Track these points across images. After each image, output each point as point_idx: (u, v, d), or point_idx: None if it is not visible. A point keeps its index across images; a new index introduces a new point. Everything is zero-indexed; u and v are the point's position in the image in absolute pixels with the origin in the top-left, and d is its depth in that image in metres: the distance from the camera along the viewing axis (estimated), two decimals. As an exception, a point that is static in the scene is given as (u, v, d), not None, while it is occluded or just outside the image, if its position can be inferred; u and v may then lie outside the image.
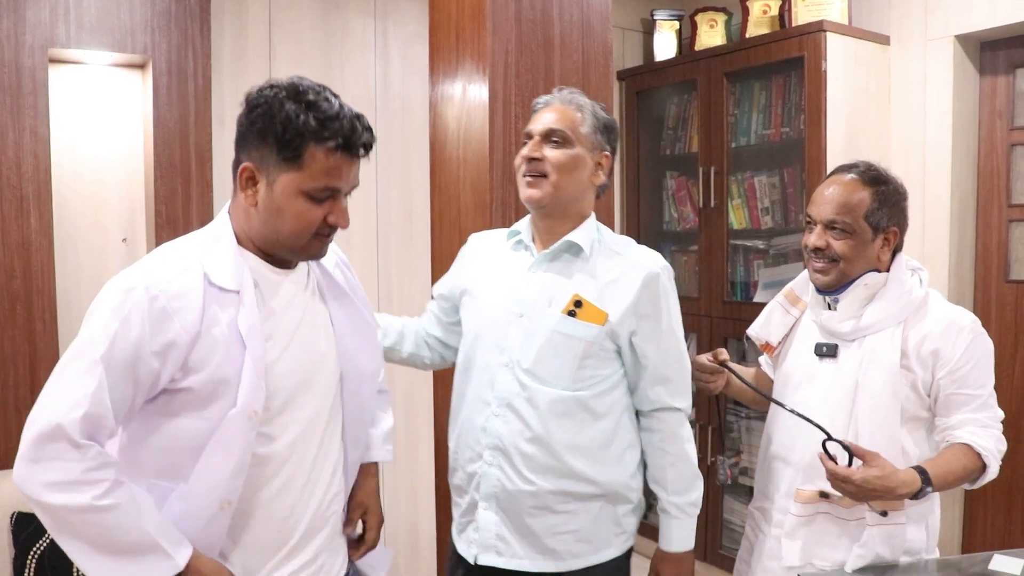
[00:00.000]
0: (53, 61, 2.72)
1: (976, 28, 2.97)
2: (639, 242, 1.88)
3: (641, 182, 3.96)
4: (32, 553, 2.31)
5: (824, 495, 1.77)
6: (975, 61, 3.12)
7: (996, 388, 1.78)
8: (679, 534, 1.84)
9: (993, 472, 1.74)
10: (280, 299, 1.45)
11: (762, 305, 2.10)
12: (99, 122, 2.91)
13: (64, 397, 1.27)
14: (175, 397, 1.35)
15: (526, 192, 1.77)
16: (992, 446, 1.72)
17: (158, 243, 2.69)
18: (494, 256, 1.90)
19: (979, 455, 1.71)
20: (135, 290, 1.31)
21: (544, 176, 1.75)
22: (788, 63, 3.24)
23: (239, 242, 1.43)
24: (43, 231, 2.66)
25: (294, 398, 1.44)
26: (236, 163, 1.41)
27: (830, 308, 1.86)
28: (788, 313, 1.98)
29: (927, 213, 3.12)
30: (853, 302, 1.82)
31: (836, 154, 3.00)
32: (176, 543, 1.32)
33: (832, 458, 1.66)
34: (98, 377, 1.27)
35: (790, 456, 1.86)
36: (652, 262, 1.80)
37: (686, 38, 3.87)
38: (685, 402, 1.84)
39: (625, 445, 1.82)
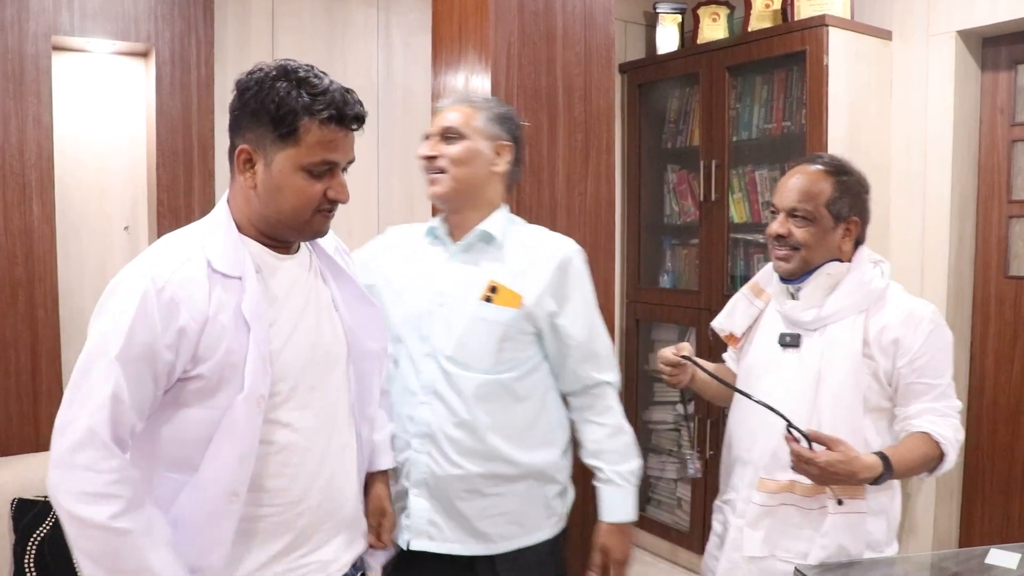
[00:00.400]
0: (56, 49, 2.72)
1: (978, 24, 2.97)
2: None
3: (642, 175, 3.96)
4: (32, 539, 2.32)
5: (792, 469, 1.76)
6: (977, 57, 3.12)
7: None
8: (624, 504, 1.87)
9: (951, 461, 1.75)
10: (283, 284, 1.46)
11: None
12: (102, 110, 2.92)
13: (91, 400, 1.28)
14: (185, 386, 1.36)
15: (429, 190, 1.85)
16: (951, 435, 1.74)
17: (160, 231, 2.70)
18: (412, 251, 1.94)
19: (938, 443, 1.72)
20: (142, 283, 1.32)
21: (443, 172, 1.81)
22: (790, 57, 3.24)
23: (240, 229, 1.44)
24: (45, 218, 2.66)
25: (302, 383, 1.45)
26: (232, 148, 1.42)
27: (793, 298, 1.88)
28: (752, 304, 1.99)
29: (927, 208, 3.13)
30: (815, 291, 1.84)
31: (837, 149, 3.00)
32: None
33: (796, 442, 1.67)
34: (116, 376, 1.28)
35: (751, 452, 1.87)
36: (566, 247, 1.87)
37: (688, 31, 3.87)
38: (614, 375, 1.91)
39: (551, 426, 1.88)
